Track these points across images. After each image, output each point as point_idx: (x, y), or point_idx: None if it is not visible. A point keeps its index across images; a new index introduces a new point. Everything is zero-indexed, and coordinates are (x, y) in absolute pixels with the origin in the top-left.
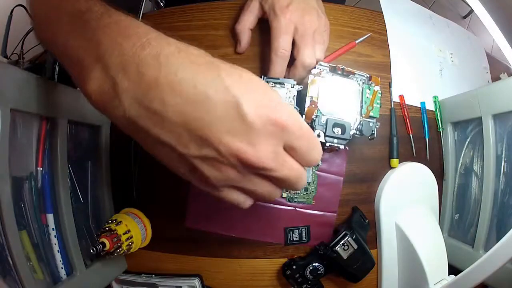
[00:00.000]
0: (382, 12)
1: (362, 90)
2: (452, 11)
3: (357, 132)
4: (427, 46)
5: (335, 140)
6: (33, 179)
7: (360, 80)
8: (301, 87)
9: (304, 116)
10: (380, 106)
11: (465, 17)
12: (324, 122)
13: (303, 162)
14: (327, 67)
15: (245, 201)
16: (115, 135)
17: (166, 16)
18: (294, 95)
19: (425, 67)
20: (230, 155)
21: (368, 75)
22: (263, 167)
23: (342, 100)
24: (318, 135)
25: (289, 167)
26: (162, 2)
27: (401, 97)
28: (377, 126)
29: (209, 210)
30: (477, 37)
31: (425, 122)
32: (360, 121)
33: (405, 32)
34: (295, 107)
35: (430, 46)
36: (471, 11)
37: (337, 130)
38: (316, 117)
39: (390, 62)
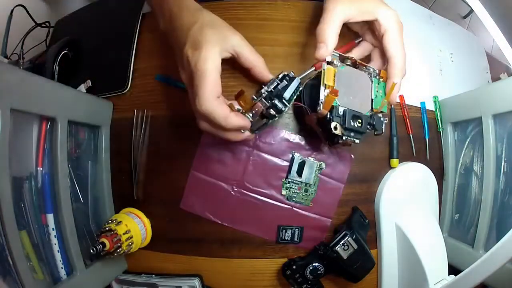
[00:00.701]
0: None
1: (372, 83)
2: (452, 11)
3: (369, 127)
4: (427, 46)
5: (352, 134)
6: (33, 179)
7: (371, 73)
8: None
9: (321, 105)
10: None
11: (465, 17)
12: (342, 113)
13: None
14: (337, 55)
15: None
16: (115, 135)
17: None
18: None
19: (425, 67)
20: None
21: (377, 70)
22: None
23: (355, 92)
24: (335, 127)
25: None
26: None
27: (401, 97)
28: (385, 121)
29: (206, 196)
30: (477, 37)
31: (425, 122)
32: (371, 115)
33: (405, 32)
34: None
35: (430, 46)
36: (471, 11)
37: (358, 122)
38: (333, 108)
39: None
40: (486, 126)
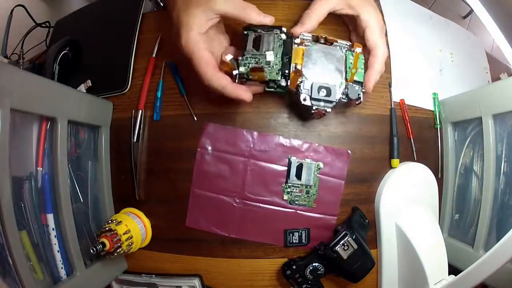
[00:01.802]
0: (382, 12)
1: (346, 56)
2: (452, 11)
3: (344, 97)
4: (427, 46)
5: (322, 103)
6: (33, 179)
7: (343, 47)
8: (287, 33)
9: (289, 83)
10: (364, 71)
11: (465, 17)
12: (309, 86)
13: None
14: (310, 37)
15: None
16: (115, 135)
17: (166, 16)
18: (282, 39)
19: (425, 67)
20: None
21: (350, 43)
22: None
23: (326, 67)
24: (304, 99)
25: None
26: (162, 2)
27: (402, 101)
28: (362, 90)
29: (209, 211)
30: (477, 37)
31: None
32: (346, 85)
33: (405, 32)
34: (284, 57)
35: (430, 46)
36: (471, 11)
37: (323, 92)
38: (301, 82)
39: (390, 62)
40: (486, 126)
